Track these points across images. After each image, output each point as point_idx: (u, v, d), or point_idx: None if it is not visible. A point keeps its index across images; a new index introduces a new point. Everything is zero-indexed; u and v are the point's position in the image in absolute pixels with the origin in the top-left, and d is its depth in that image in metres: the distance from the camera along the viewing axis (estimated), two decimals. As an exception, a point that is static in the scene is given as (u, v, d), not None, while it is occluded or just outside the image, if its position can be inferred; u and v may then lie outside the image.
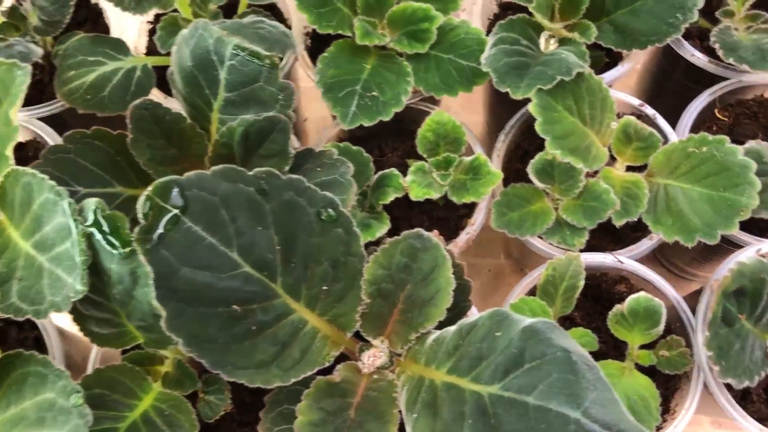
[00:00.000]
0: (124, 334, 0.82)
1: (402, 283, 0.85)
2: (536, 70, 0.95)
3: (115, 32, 1.21)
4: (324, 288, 0.82)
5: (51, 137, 1.11)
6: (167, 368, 0.86)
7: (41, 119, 1.13)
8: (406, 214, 1.07)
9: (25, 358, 0.76)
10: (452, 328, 0.81)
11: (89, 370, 0.93)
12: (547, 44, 1.03)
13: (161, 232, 0.73)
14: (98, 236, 0.74)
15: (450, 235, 1.04)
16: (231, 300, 0.78)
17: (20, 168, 0.80)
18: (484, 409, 0.72)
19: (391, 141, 1.13)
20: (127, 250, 0.73)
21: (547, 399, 0.68)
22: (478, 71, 1.02)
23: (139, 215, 0.74)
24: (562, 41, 1.03)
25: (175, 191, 0.76)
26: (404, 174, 1.02)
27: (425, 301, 0.84)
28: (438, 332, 0.83)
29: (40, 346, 1.01)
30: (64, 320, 1.07)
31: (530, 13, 1.05)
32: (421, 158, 1.04)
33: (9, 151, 0.83)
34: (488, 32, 1.07)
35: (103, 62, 1.05)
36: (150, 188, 0.74)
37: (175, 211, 0.74)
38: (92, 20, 1.26)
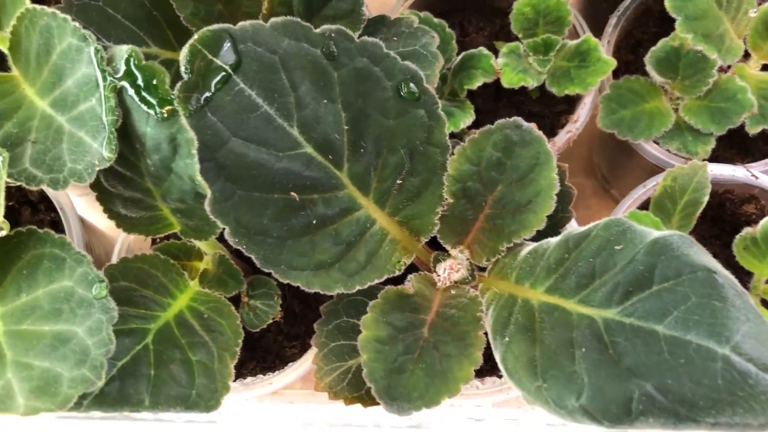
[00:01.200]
0: (157, 219, 0.69)
1: (492, 182, 0.72)
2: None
3: None
4: (398, 182, 0.71)
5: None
6: (206, 265, 0.74)
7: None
8: (491, 106, 0.93)
9: (40, 238, 0.64)
10: (554, 240, 0.68)
11: (114, 260, 0.81)
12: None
13: (208, 94, 0.61)
14: (131, 92, 0.62)
15: (544, 133, 0.90)
16: (288, 185, 0.66)
17: (38, 7, 0.67)
18: (599, 337, 0.60)
19: (476, 19, 0.98)
20: (167, 110, 0.60)
21: (684, 329, 0.56)
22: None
23: (182, 69, 0.61)
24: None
25: (227, 45, 0.63)
26: (492, 58, 0.87)
27: (520, 205, 0.72)
28: (534, 244, 0.71)
29: (59, 231, 0.89)
30: (85, 210, 0.95)
31: None
32: (512, 41, 0.89)
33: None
34: None
35: None
36: (196, 37, 0.61)
37: (226, 67, 0.61)
38: None
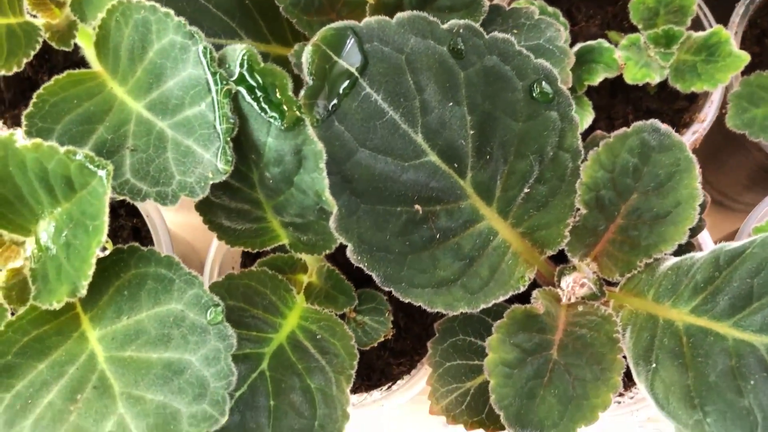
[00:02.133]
0: (264, 231, 0.65)
1: (627, 190, 0.68)
2: None
3: None
4: (525, 190, 0.65)
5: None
6: (310, 278, 0.69)
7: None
8: (607, 102, 0.87)
9: (142, 256, 0.59)
10: (701, 255, 0.63)
11: (207, 276, 0.76)
12: None
13: (335, 101, 0.56)
14: (248, 98, 0.56)
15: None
16: (412, 198, 0.62)
17: (132, 0, 0.61)
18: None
19: (585, 6, 0.92)
20: (291, 119, 0.54)
21: None
22: None
23: (305, 72, 0.56)
24: None
25: (350, 43, 0.57)
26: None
27: (658, 216, 0.67)
28: (675, 259, 0.66)
29: (140, 239, 0.84)
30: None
31: None
32: (626, 31, 0.83)
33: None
34: None
35: None
36: (318, 36, 0.56)
37: (353, 70, 0.56)
38: None
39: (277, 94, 0.56)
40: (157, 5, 0.60)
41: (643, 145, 0.66)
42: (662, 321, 0.63)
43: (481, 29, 0.62)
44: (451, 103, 0.62)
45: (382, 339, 0.69)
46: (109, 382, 0.57)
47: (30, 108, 0.64)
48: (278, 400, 0.59)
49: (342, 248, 0.60)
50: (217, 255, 0.78)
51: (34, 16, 0.74)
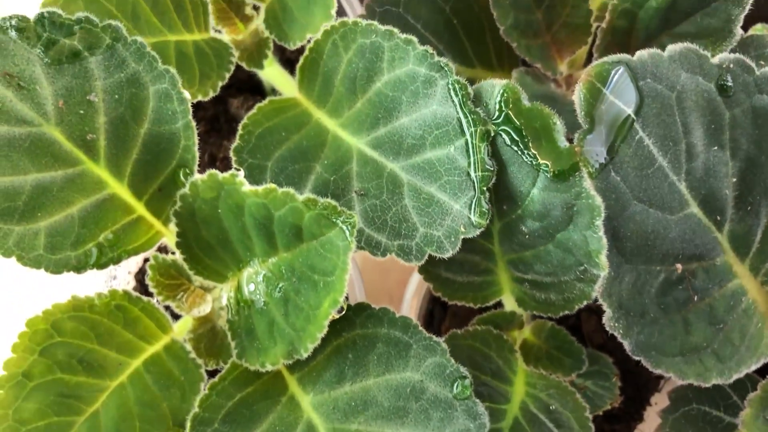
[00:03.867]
0: (488, 284, 0.59)
1: None
2: None
3: None
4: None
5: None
6: (524, 335, 0.62)
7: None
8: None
9: (372, 315, 0.53)
10: None
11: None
12: None
13: (612, 145, 0.49)
14: (510, 143, 0.49)
15: None
16: (675, 255, 0.55)
17: (361, 22, 0.55)
18: None
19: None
20: (564, 168, 0.48)
21: None
22: None
23: (579, 113, 0.49)
24: None
25: (622, 78, 0.51)
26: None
27: None
28: None
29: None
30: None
31: None
32: None
33: (331, -3, 0.59)
34: None
35: None
36: (591, 71, 0.49)
37: (630, 113, 0.49)
38: None
39: (549, 138, 0.49)
40: (395, 30, 0.54)
41: None
42: None
43: (753, 65, 0.56)
44: (715, 147, 0.55)
45: (609, 407, 0.62)
46: None
47: (237, 141, 0.58)
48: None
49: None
50: (412, 303, 0.71)
51: (218, 32, 0.68)
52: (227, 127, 0.79)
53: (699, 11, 0.61)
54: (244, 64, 0.65)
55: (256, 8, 0.67)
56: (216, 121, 0.80)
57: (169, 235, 0.58)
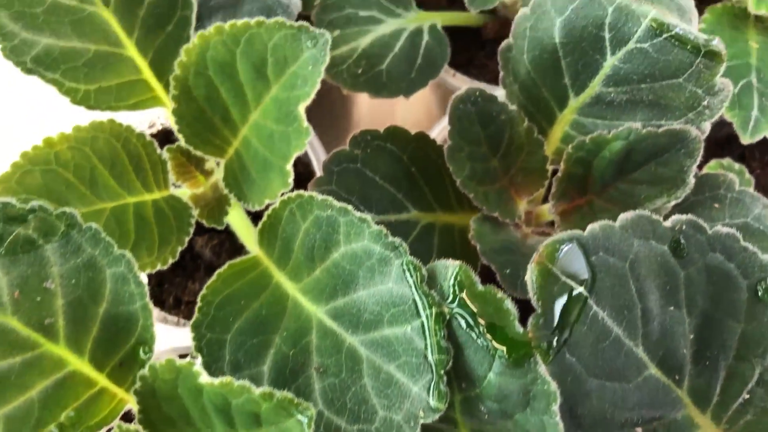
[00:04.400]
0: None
1: None
2: None
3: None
4: (745, 396, 0.59)
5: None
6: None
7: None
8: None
9: None
10: None
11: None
12: None
13: (566, 327, 0.50)
14: (464, 326, 0.50)
15: None
16: (635, 421, 0.56)
17: (317, 197, 0.56)
18: None
19: (759, 151, 0.85)
20: (519, 352, 0.48)
21: None
22: None
23: (532, 297, 0.50)
24: None
25: (574, 254, 0.52)
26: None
27: None
28: None
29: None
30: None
31: None
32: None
33: (289, 165, 0.59)
34: None
35: (378, 19, 0.78)
36: (543, 252, 0.50)
37: (584, 292, 0.50)
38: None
39: (503, 323, 0.50)
40: (350, 208, 0.54)
41: None
42: None
43: (705, 224, 0.57)
44: (671, 307, 0.56)
45: None
46: None
47: (196, 315, 0.58)
48: None
49: None
50: None
51: (178, 186, 0.68)
52: (192, 266, 0.80)
53: (652, 161, 0.62)
54: (204, 222, 0.66)
55: (217, 163, 0.67)
56: (182, 260, 0.80)
57: (132, 402, 0.58)
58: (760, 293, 0.58)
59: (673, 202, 0.64)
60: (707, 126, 0.60)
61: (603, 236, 0.53)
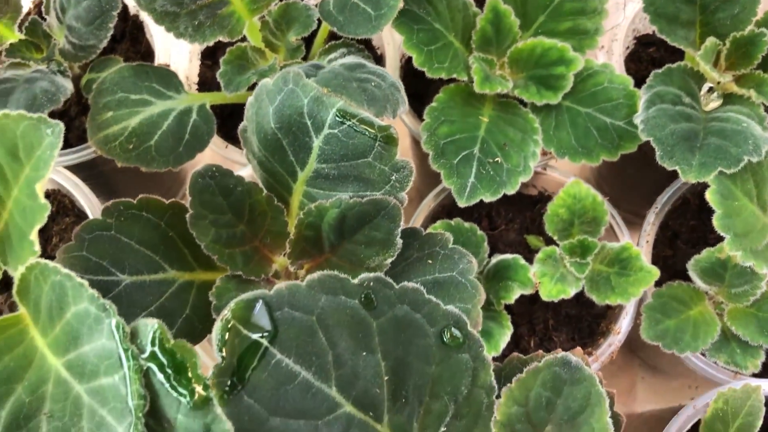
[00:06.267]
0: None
1: (542, 422, 0.70)
2: (712, 145, 0.78)
3: (159, 52, 1.03)
4: (443, 429, 0.68)
5: (79, 191, 0.93)
6: None
7: (68, 167, 0.95)
8: (525, 309, 0.90)
9: None
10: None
11: None
12: (707, 99, 0.86)
13: (244, 374, 0.58)
14: (159, 375, 0.58)
15: (583, 338, 0.87)
16: (329, 453, 0.63)
17: (49, 264, 0.65)
18: None
19: (504, 210, 0.96)
20: (200, 396, 0.57)
21: None
22: (627, 133, 0.84)
23: (215, 347, 0.58)
24: (728, 97, 0.86)
25: (259, 307, 0.60)
26: (524, 256, 0.84)
27: (572, 447, 0.69)
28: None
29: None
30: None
31: (682, 58, 0.88)
32: (544, 235, 0.87)
33: (33, 235, 0.68)
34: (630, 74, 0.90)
35: (149, 101, 0.88)
36: (231, 309, 0.58)
37: (264, 342, 0.59)
38: (131, 37, 1.09)
39: (188, 372, 0.58)
40: (73, 274, 0.62)
41: (555, 379, 0.69)
42: None
43: (391, 281, 0.66)
44: (365, 353, 0.64)
45: None
46: None
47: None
48: None
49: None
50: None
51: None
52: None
53: (366, 225, 0.71)
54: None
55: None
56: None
57: None
58: (445, 339, 0.67)
59: (389, 260, 0.74)
60: (404, 196, 0.70)
61: (289, 294, 0.62)
